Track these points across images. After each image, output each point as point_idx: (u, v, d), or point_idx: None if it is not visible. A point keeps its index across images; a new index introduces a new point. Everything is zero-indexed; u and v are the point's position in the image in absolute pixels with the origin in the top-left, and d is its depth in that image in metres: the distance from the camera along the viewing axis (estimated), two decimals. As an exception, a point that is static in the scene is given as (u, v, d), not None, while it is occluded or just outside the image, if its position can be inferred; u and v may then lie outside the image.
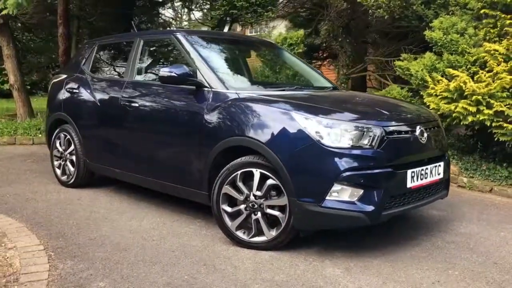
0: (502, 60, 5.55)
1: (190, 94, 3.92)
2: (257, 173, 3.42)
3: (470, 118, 5.46)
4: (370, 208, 3.16)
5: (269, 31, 9.98)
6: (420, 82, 6.04)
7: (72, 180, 5.26)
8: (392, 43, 8.04)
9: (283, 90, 4.15)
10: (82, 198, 4.89)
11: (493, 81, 5.39)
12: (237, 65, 4.52)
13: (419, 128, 3.52)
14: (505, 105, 5.23)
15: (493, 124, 5.34)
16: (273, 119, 3.36)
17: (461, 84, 5.43)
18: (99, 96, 4.86)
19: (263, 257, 3.37)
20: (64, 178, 5.38)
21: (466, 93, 5.43)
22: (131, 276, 3.03)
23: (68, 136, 5.25)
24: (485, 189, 5.58)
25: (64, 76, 5.57)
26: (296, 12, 10.81)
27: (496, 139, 5.45)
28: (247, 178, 3.50)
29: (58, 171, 5.45)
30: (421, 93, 6.11)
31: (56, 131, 5.45)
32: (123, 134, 4.53)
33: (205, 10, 8.47)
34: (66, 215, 4.30)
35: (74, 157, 5.21)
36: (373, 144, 3.19)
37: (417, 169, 3.42)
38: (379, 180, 3.20)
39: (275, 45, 5.18)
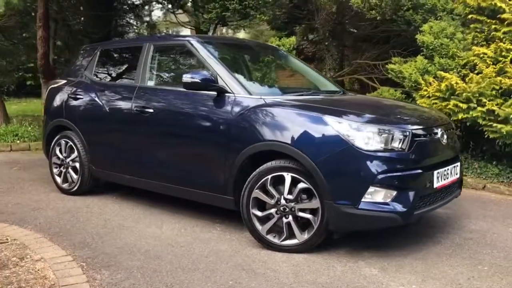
0: (491, 63, 5.83)
1: (211, 100, 3.92)
2: (288, 177, 3.47)
3: (460, 115, 5.70)
4: (403, 208, 3.27)
5: (256, 34, 10.01)
6: (413, 85, 6.25)
7: (75, 187, 5.15)
8: (376, 47, 8.27)
9: (302, 95, 4.22)
10: (90, 206, 4.79)
11: (482, 81, 5.66)
12: (252, 70, 4.55)
13: (441, 130, 3.67)
14: (495, 105, 5.49)
15: (484, 122, 5.60)
16: (305, 124, 3.42)
17: (453, 83, 5.67)
18: (106, 101, 4.78)
19: (297, 259, 3.42)
20: (65, 185, 5.25)
21: (457, 92, 5.67)
22: (175, 284, 3.02)
23: (70, 143, 5.13)
24: (478, 187, 5.83)
25: (64, 81, 5.44)
26: (276, 16, 10.91)
27: (486, 136, 5.71)
28: (276, 182, 3.55)
29: (59, 179, 5.31)
30: (414, 95, 6.32)
31: (56, 138, 5.31)
32: (136, 140, 4.47)
33: (190, 13, 8.40)
34: (81, 224, 4.21)
35: (77, 164, 5.10)
36: (404, 146, 3.31)
37: (441, 169, 3.57)
38: (410, 181, 3.32)
39: (281, 50, 5.24)
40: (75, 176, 5.14)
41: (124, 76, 5.04)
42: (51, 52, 9.55)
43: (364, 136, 3.26)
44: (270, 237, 3.59)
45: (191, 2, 7.59)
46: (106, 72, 5.22)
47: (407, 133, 3.33)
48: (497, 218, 4.53)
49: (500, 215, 4.65)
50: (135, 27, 11.53)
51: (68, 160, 5.19)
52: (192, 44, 4.31)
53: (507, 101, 5.52)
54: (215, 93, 3.93)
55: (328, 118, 3.36)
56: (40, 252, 3.53)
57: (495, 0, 5.91)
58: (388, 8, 6.18)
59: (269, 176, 3.53)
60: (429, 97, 6.05)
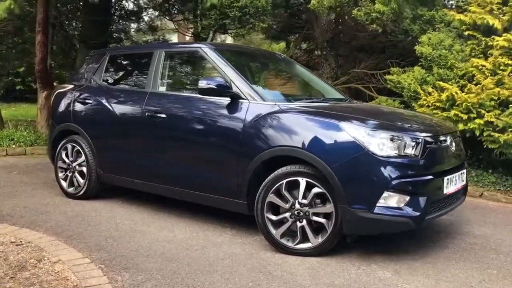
0: (489, 74, 6.01)
1: (225, 106, 4.00)
2: (303, 182, 3.56)
3: (460, 126, 5.86)
4: (416, 213, 3.37)
5: (245, 43, 10.05)
6: (413, 94, 6.40)
7: (82, 192, 5.16)
8: (372, 57, 8.44)
9: (312, 102, 4.33)
10: (98, 210, 4.82)
11: (481, 92, 5.84)
12: (262, 77, 4.64)
13: (449, 138, 3.80)
14: (494, 116, 5.66)
15: (484, 134, 5.77)
16: (321, 130, 3.52)
17: (453, 94, 5.83)
18: (117, 106, 4.82)
19: (311, 262, 3.50)
20: (71, 190, 5.27)
21: (458, 102, 5.83)
22: (196, 285, 3.08)
23: (78, 147, 5.16)
24: (475, 194, 5.98)
25: (71, 86, 5.46)
26: (271, 25, 11.05)
27: (485, 146, 5.88)
28: (291, 186, 3.63)
29: (64, 183, 5.33)
30: (413, 104, 6.48)
31: (63, 142, 5.33)
32: (147, 145, 4.52)
33: (190, 20, 8.46)
34: (93, 227, 4.24)
35: (84, 168, 5.13)
36: (417, 153, 3.42)
37: (450, 176, 3.69)
38: (423, 187, 3.43)
39: (286, 57, 5.35)
40: (81, 181, 5.16)
41: (134, 82, 5.09)
42: (48, 57, 9.53)
43: (380, 142, 3.37)
44: (283, 241, 3.66)
45: (192, 9, 7.65)
46: (115, 77, 5.27)
47: (420, 140, 3.45)
48: (497, 225, 4.67)
49: (500, 222, 4.79)
50: (133, 34, 11.57)
51: (74, 164, 5.21)
52: (204, 51, 4.39)
53: (504, 112, 5.70)
54: (229, 99, 4.01)
55: (344, 125, 3.46)
56: (57, 254, 3.55)
57: (487, 18, 6.09)
58: (390, 21, 6.34)
59: (284, 181, 3.61)
60: (428, 106, 6.21)
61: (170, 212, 4.73)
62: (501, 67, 5.87)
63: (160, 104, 4.47)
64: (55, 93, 5.62)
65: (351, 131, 3.42)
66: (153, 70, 4.68)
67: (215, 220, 4.46)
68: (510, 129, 5.43)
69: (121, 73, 5.27)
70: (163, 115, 4.38)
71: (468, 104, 5.63)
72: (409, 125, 3.72)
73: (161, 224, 4.37)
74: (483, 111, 5.69)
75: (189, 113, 4.24)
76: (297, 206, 3.59)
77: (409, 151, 3.42)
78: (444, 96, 5.86)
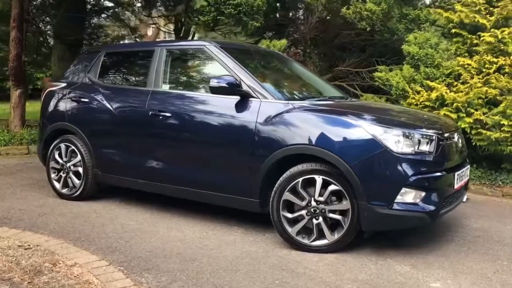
0: (475, 73, 6.23)
1: (236, 104, 3.98)
2: (319, 179, 3.60)
3: (449, 125, 6.04)
4: (432, 208, 3.47)
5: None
6: (401, 93, 6.55)
7: (77, 193, 5.03)
8: (354, 55, 8.57)
9: (320, 100, 4.36)
10: (97, 211, 4.71)
11: (470, 91, 6.04)
12: (268, 75, 4.64)
13: (456, 135, 3.92)
14: (483, 114, 5.88)
15: (473, 132, 5.97)
16: (339, 128, 3.56)
17: (443, 94, 6.01)
18: (116, 105, 4.72)
19: (329, 259, 3.55)
20: (65, 191, 5.12)
21: (447, 102, 6.02)
22: (224, 285, 3.06)
23: (72, 147, 5.02)
24: (463, 189, 6.18)
25: (63, 84, 5.31)
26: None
27: (473, 144, 6.09)
28: (306, 184, 3.66)
29: (57, 184, 5.17)
30: (401, 102, 6.63)
31: (55, 142, 5.18)
32: (152, 144, 4.45)
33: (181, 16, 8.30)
34: (99, 229, 4.14)
35: (80, 169, 5.00)
36: (431, 149, 3.52)
37: (459, 171, 3.81)
38: (437, 183, 3.53)
39: (286, 56, 5.37)
40: (77, 181, 5.02)
41: (133, 80, 4.98)
42: (22, 54, 9.20)
43: (397, 139, 3.44)
44: (299, 238, 3.69)
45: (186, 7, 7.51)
46: (113, 75, 5.14)
47: (434, 137, 3.54)
48: (492, 217, 4.86)
49: (493, 214, 4.98)
50: (114, 30, 11.29)
51: (69, 164, 5.07)
52: (209, 49, 4.36)
53: (491, 110, 5.92)
54: (238, 97, 3.99)
55: (362, 122, 3.52)
56: (71, 257, 3.46)
57: (477, 17, 6.32)
58: (379, 20, 6.46)
59: (300, 179, 3.64)
60: (416, 104, 6.37)
61: (173, 212, 4.67)
62: (486, 65, 6.08)
63: (165, 102, 4.40)
64: (46, 91, 5.44)
65: (369, 129, 3.47)
66: (154, 68, 4.60)
67: (220, 219, 4.45)
68: (501, 127, 5.65)
69: (118, 71, 5.15)
70: (168, 114, 4.32)
71: (459, 104, 5.81)
72: (421, 122, 3.82)
73: (168, 224, 4.31)
74: (472, 110, 5.89)
75: (197, 112, 4.20)
76: (313, 203, 3.62)
77: (424, 147, 3.51)
78: (433, 95, 6.02)
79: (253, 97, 3.96)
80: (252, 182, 3.87)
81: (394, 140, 3.44)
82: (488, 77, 6.01)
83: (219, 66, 4.24)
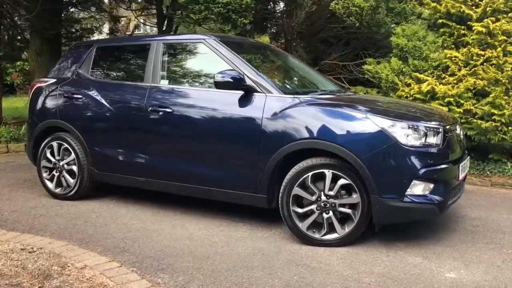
0: (463, 65, 6.35)
1: (240, 99, 3.94)
2: (329, 173, 3.60)
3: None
4: (440, 199, 3.52)
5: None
6: (391, 85, 6.62)
7: (72, 192, 4.90)
8: (338, 49, 8.61)
9: (323, 94, 4.36)
10: (96, 211, 4.60)
11: (457, 83, 6.16)
12: (269, 69, 4.60)
13: (458, 127, 3.98)
14: (472, 104, 6.01)
15: (462, 121, 6.09)
16: (349, 122, 3.56)
17: (434, 87, 6.11)
18: (113, 101, 4.60)
19: (341, 253, 3.56)
20: (58, 190, 4.98)
21: (438, 95, 6.12)
22: (244, 282, 3.03)
23: (66, 145, 4.88)
24: (452, 179, 6.31)
25: (52, 80, 5.14)
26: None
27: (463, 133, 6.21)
28: (315, 179, 3.65)
29: (50, 184, 5.03)
30: (391, 95, 6.70)
31: (47, 140, 5.02)
32: (153, 140, 4.35)
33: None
34: (102, 229, 4.05)
35: (74, 167, 4.86)
36: (439, 142, 3.56)
37: (462, 163, 3.87)
38: (445, 174, 3.58)
39: (281, 50, 5.34)
40: (71, 180, 4.89)
41: (128, 75, 4.84)
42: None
43: (406, 133, 3.47)
44: (310, 233, 3.69)
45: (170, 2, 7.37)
46: (106, 70, 4.99)
47: (440, 130, 3.59)
48: (486, 207, 4.97)
49: (486, 204, 5.10)
50: (88, 23, 10.97)
51: (62, 163, 4.93)
52: (209, 43, 4.29)
53: (479, 101, 6.06)
54: (242, 92, 3.95)
55: (371, 116, 3.53)
56: (79, 259, 3.36)
57: (463, 7, 6.43)
58: (367, 16, 6.50)
59: (310, 174, 3.63)
60: (406, 97, 6.44)
61: (174, 209, 4.60)
62: (474, 58, 6.20)
63: (165, 98, 4.31)
64: (34, 88, 5.25)
65: (379, 123, 3.48)
66: (151, 63, 4.51)
67: (223, 215, 4.41)
68: (491, 117, 5.78)
69: (112, 66, 5.00)
70: (169, 110, 4.24)
71: (451, 99, 5.91)
72: (429, 115, 3.86)
73: (172, 222, 4.25)
74: (461, 101, 6.01)
75: (200, 107, 4.13)
76: (323, 198, 3.62)
77: (431, 140, 3.55)
78: (424, 88, 6.10)
79: (257, 91, 3.92)
80: (260, 177, 3.84)
81: (403, 133, 3.47)
82: (475, 68, 6.13)
83: (219, 60, 4.17)
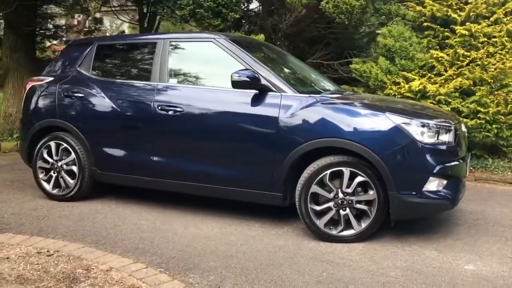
0: (448, 65, 6.59)
1: (255, 98, 3.96)
2: (347, 171, 3.68)
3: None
4: (453, 195, 3.67)
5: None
6: (379, 84, 6.79)
7: (72, 193, 4.79)
8: (319, 48, 8.73)
9: (333, 93, 4.43)
10: (100, 211, 4.52)
11: (444, 83, 6.39)
12: (277, 68, 4.61)
13: (463, 125, 4.15)
14: (460, 103, 6.26)
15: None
16: (367, 121, 3.65)
17: (426, 86, 6.32)
18: (117, 100, 4.51)
19: (359, 248, 3.65)
20: (56, 191, 4.86)
21: (428, 94, 6.33)
22: (277, 280, 3.07)
23: (65, 145, 4.76)
24: (438, 175, 6.56)
25: (49, 78, 4.99)
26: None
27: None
28: (332, 176, 3.73)
29: (47, 185, 4.89)
30: (378, 93, 6.87)
31: (44, 140, 4.88)
32: (161, 140, 4.31)
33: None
34: (114, 230, 3.99)
35: (74, 168, 4.75)
36: (451, 139, 3.71)
37: (468, 160, 4.05)
38: (457, 171, 3.73)
39: (282, 50, 5.37)
40: (71, 181, 4.77)
41: (133, 74, 4.75)
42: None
43: (421, 130, 3.59)
44: (327, 230, 3.76)
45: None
46: (109, 69, 4.89)
47: (452, 128, 3.74)
48: (478, 201, 5.19)
49: (476, 198, 5.31)
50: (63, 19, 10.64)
51: (61, 163, 4.80)
52: (220, 42, 4.28)
53: (465, 100, 6.31)
54: (255, 91, 3.97)
55: (389, 115, 3.63)
56: (102, 261, 3.31)
57: (449, 11, 6.67)
58: (357, 14, 6.64)
59: (328, 172, 3.70)
60: (394, 95, 6.64)
61: (181, 209, 4.58)
62: (460, 58, 6.46)
63: (174, 97, 4.28)
64: (29, 86, 5.08)
65: (397, 121, 3.59)
66: (159, 62, 4.46)
67: (233, 214, 4.42)
68: (476, 115, 6.04)
69: (115, 64, 4.90)
70: (179, 109, 4.21)
71: (441, 97, 6.14)
72: (440, 114, 4.00)
73: (183, 222, 4.23)
74: (450, 99, 6.24)
75: (212, 106, 4.13)
76: (340, 195, 3.70)
77: (445, 138, 3.69)
78: (415, 87, 6.30)
79: (272, 91, 3.95)
80: (276, 176, 3.88)
81: (419, 131, 3.59)
82: (461, 69, 6.38)
83: (231, 60, 4.17)
